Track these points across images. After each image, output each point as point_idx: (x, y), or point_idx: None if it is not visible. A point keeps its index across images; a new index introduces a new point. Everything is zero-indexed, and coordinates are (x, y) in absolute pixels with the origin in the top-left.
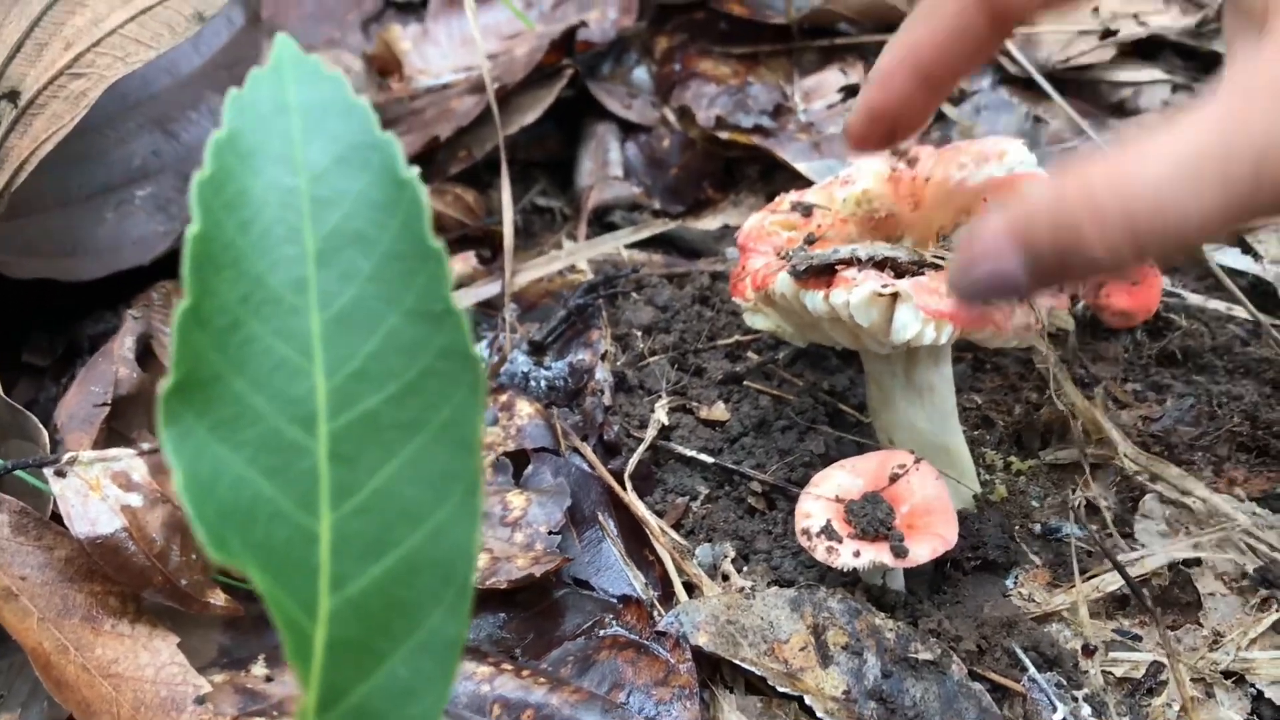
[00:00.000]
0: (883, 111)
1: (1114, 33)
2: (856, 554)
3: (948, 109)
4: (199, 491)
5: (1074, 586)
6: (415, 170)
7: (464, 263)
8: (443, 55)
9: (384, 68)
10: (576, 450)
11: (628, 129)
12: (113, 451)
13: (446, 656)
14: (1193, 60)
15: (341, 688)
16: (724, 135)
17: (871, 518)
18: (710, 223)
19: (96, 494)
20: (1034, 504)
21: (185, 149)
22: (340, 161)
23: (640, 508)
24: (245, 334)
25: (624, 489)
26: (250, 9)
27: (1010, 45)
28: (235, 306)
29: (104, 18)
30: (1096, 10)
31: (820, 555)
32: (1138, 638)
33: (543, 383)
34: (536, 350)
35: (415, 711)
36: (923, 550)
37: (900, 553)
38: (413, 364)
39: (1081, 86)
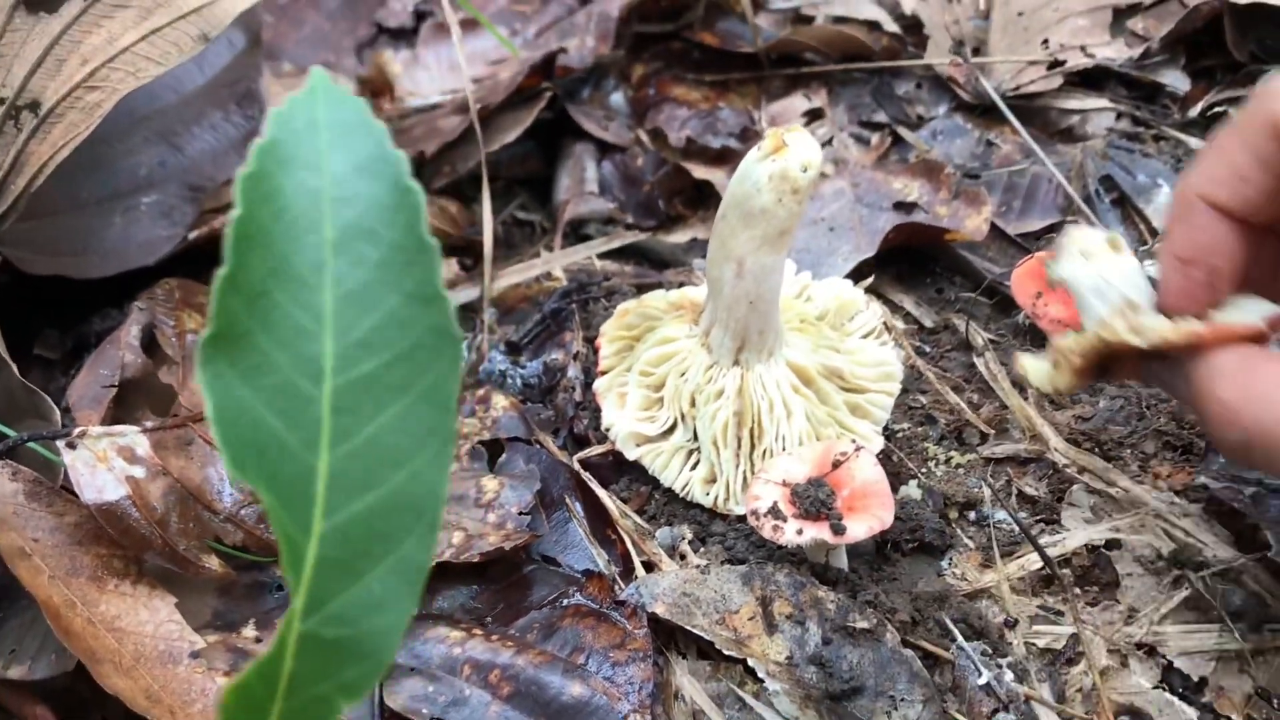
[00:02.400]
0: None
1: (1061, 63)
2: (799, 531)
3: (906, 134)
4: (226, 423)
5: (1004, 564)
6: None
7: (447, 269)
8: (431, 79)
9: (376, 90)
10: (540, 443)
11: (604, 149)
12: (119, 427)
13: (414, 578)
14: (1136, 90)
15: (325, 597)
16: (688, 165)
17: (814, 499)
18: (680, 237)
19: (104, 465)
20: (971, 492)
21: (189, 160)
22: (358, 169)
23: (602, 492)
24: (271, 301)
25: (589, 476)
26: (251, 32)
27: (963, 76)
28: (264, 278)
29: (118, 36)
30: (1046, 43)
31: (767, 533)
32: (1060, 613)
33: (519, 380)
34: (513, 350)
35: (384, 621)
36: (860, 528)
37: (839, 530)
38: (406, 337)
39: (1031, 113)
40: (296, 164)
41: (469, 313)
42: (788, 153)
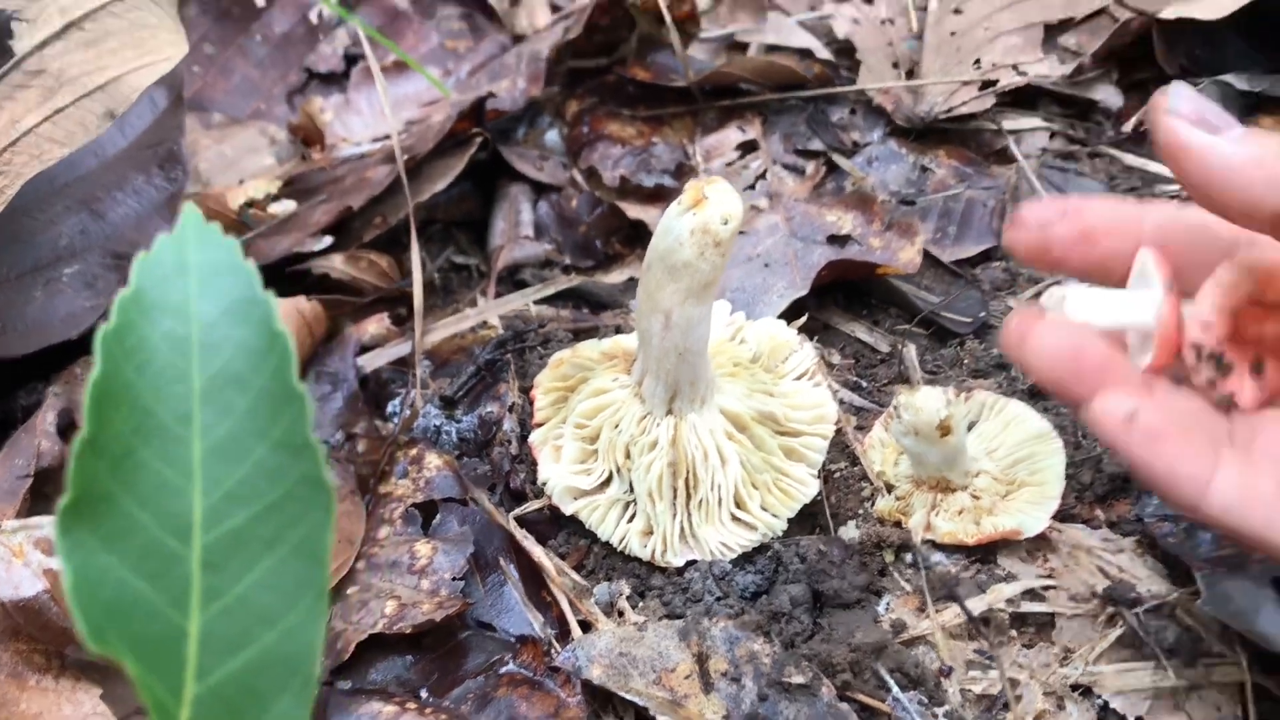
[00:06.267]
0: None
1: (994, 83)
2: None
3: (841, 161)
4: (85, 592)
5: (940, 611)
6: (286, 330)
7: (378, 324)
8: (364, 123)
9: (308, 137)
10: (475, 501)
11: (540, 189)
12: (35, 520)
13: None
14: (1070, 107)
15: None
16: (623, 205)
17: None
18: (617, 276)
19: (19, 560)
20: (906, 534)
21: (111, 227)
22: (227, 314)
23: (537, 552)
24: (135, 460)
25: (525, 534)
26: (173, 91)
27: (891, 104)
28: (128, 436)
29: (20, 119)
30: (978, 63)
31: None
32: (995, 657)
33: (454, 435)
34: (448, 405)
35: None
36: None
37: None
38: (276, 488)
39: (966, 135)
40: (163, 312)
41: (403, 367)
42: (708, 206)
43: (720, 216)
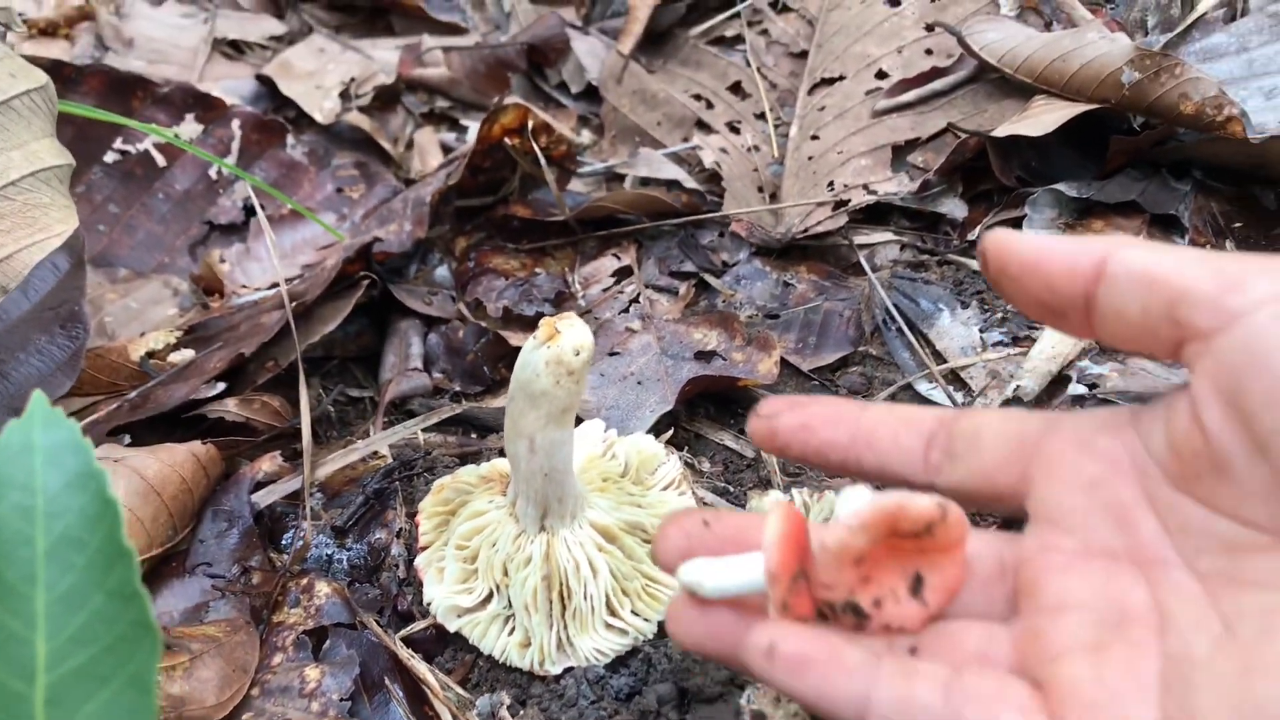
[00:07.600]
0: None
1: (846, 203)
2: None
3: (712, 280)
4: None
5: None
6: (119, 498)
7: (271, 462)
8: (263, 270)
9: (209, 287)
10: (364, 624)
11: (431, 322)
12: None
13: None
14: (918, 220)
15: None
16: (506, 334)
17: None
18: (503, 400)
19: None
20: None
21: (15, 386)
22: (68, 485)
23: (421, 669)
24: None
25: (410, 653)
26: (74, 254)
27: (745, 230)
28: None
29: None
30: (832, 184)
31: None
32: None
33: (345, 563)
34: (339, 534)
35: None
36: None
37: None
38: (110, 631)
39: (824, 251)
40: (11, 487)
41: (295, 501)
42: (560, 340)
43: (572, 348)
